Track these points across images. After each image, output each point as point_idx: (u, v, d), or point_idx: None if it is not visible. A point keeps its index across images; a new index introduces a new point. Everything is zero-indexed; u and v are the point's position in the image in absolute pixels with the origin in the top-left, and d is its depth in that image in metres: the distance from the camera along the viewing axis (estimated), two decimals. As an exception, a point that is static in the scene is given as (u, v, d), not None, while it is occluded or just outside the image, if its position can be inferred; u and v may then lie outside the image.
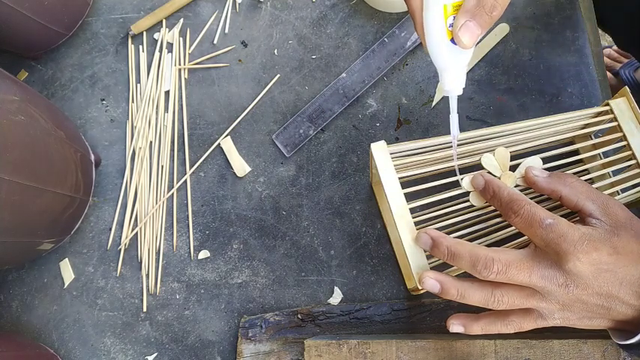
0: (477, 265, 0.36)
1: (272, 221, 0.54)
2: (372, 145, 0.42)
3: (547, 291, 0.35)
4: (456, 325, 0.39)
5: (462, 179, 0.42)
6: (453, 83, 0.38)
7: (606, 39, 1.20)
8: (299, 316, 0.50)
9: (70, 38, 0.60)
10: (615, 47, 1.12)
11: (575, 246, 0.35)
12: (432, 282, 0.38)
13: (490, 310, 0.37)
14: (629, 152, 0.43)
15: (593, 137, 0.50)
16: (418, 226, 0.40)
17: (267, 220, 0.54)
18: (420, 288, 0.39)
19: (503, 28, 0.56)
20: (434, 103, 0.54)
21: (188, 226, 0.54)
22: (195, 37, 0.59)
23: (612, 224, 0.36)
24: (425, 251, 0.40)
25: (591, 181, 0.43)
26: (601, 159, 0.48)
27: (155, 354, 0.52)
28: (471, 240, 0.41)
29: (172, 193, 0.55)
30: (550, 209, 0.42)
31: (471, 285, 0.37)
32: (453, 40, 0.36)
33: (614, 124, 0.44)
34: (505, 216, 0.38)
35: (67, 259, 0.55)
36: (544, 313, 0.37)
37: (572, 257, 0.34)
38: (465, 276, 0.38)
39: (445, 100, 0.55)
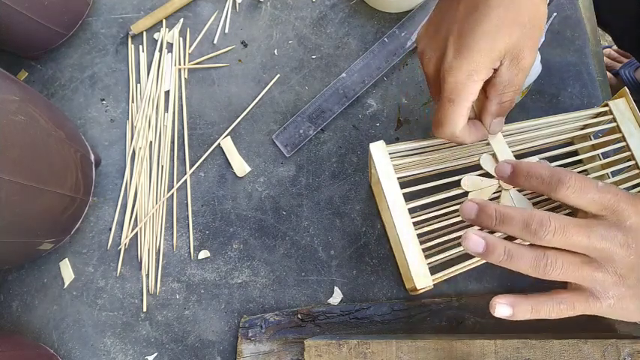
0: (530, 223, 0.33)
1: (272, 221, 0.54)
2: (371, 145, 0.42)
3: (606, 255, 0.33)
4: (502, 306, 0.34)
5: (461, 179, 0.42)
6: None
7: (606, 39, 1.20)
8: (299, 316, 0.50)
9: (70, 38, 0.60)
10: (615, 47, 1.12)
11: (632, 201, 0.33)
12: (475, 239, 0.34)
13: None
14: (628, 153, 0.43)
15: (592, 138, 0.50)
16: (417, 227, 0.40)
17: (267, 220, 0.54)
18: (418, 288, 0.39)
19: (503, 29, 0.55)
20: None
21: (188, 226, 0.54)
22: (195, 37, 0.59)
23: None
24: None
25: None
26: (600, 160, 0.48)
27: (155, 354, 0.52)
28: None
29: (172, 193, 0.55)
30: (550, 210, 0.42)
31: (522, 246, 0.34)
32: None
33: (613, 124, 0.44)
34: (552, 192, 0.35)
35: (67, 259, 0.55)
36: (597, 290, 0.34)
37: (634, 212, 0.33)
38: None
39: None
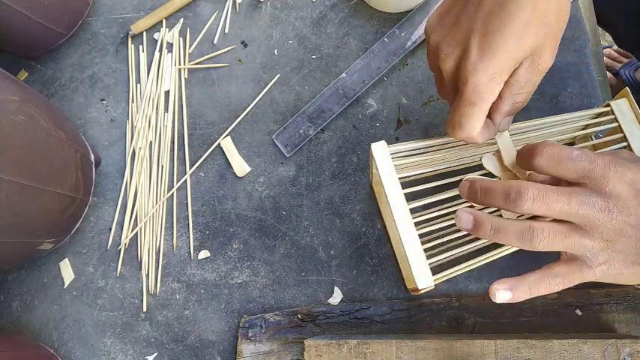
0: (510, 193, 0.34)
1: (272, 221, 0.54)
2: (373, 145, 0.42)
3: (589, 220, 0.34)
4: (502, 292, 0.35)
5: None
6: None
7: (606, 39, 1.20)
8: (299, 316, 0.50)
9: (70, 38, 0.60)
10: (615, 47, 1.12)
11: (610, 167, 0.34)
12: (465, 215, 0.36)
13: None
14: (630, 153, 0.43)
15: (593, 138, 0.50)
16: (418, 227, 0.40)
17: (267, 220, 0.54)
18: (419, 288, 0.39)
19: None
20: None
21: (188, 226, 0.54)
22: (195, 37, 0.59)
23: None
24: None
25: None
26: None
27: (155, 354, 0.52)
28: (471, 240, 0.41)
29: (172, 193, 0.55)
30: None
31: (507, 220, 0.35)
32: None
33: (615, 125, 0.44)
34: (528, 163, 0.36)
35: (67, 259, 0.55)
36: (588, 258, 0.35)
37: (611, 178, 0.33)
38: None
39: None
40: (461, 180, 0.41)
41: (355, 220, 0.53)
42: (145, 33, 0.60)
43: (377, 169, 0.41)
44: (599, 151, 0.45)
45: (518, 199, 0.34)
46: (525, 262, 0.40)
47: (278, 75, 0.57)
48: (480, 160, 0.42)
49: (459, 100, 0.37)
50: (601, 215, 0.34)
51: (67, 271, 0.55)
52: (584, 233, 0.34)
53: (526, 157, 0.36)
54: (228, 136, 0.56)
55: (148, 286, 0.53)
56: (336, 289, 0.51)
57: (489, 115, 0.40)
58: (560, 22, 0.36)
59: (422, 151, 0.43)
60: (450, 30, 0.37)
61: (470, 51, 0.36)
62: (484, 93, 0.36)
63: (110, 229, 0.55)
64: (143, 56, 0.59)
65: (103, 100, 0.59)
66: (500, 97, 0.38)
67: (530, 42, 0.35)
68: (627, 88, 0.44)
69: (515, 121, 0.43)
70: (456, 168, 0.45)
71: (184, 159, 0.56)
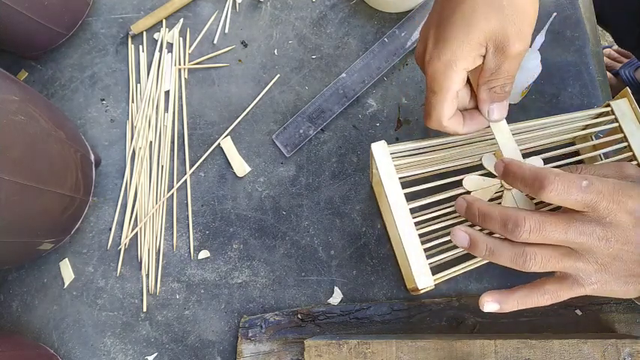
0: (507, 223, 0.34)
1: (272, 221, 0.54)
2: (373, 145, 0.42)
3: (586, 247, 0.34)
4: (489, 303, 0.36)
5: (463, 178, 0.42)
6: None
7: (606, 39, 1.20)
8: (299, 316, 0.50)
9: (70, 38, 0.60)
10: (615, 47, 1.12)
11: (613, 197, 0.34)
12: (462, 235, 0.37)
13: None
14: (630, 153, 0.43)
15: (593, 138, 0.49)
16: (418, 227, 0.40)
17: (267, 220, 0.54)
18: (419, 288, 0.39)
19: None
20: None
21: (188, 226, 0.54)
22: (195, 37, 0.59)
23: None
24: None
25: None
26: (602, 160, 0.48)
27: (155, 354, 0.52)
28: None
29: (172, 193, 0.55)
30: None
31: (502, 242, 0.36)
32: None
33: (615, 125, 0.44)
34: (536, 193, 0.35)
35: (67, 259, 0.55)
36: (580, 278, 0.35)
37: (613, 210, 0.34)
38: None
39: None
40: (461, 180, 0.41)
41: (355, 220, 0.53)
42: (145, 33, 0.60)
43: (377, 169, 0.41)
44: (599, 151, 0.45)
45: (515, 230, 0.34)
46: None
47: (278, 75, 0.57)
48: (480, 160, 0.42)
49: (426, 90, 0.39)
50: (599, 243, 0.34)
51: (67, 271, 0.55)
52: (578, 257, 0.35)
53: (534, 186, 0.35)
54: (228, 136, 0.56)
55: (148, 286, 0.53)
56: (336, 289, 0.51)
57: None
58: (517, 6, 0.35)
59: (422, 151, 0.43)
60: (423, 27, 0.40)
61: (428, 43, 0.38)
62: (442, 81, 0.37)
63: (110, 229, 0.55)
64: (143, 56, 0.59)
65: (103, 100, 0.59)
66: (477, 85, 0.39)
67: (481, 28, 0.36)
68: (627, 88, 0.44)
69: (515, 120, 0.43)
70: (455, 168, 0.45)
71: (184, 159, 0.56)
